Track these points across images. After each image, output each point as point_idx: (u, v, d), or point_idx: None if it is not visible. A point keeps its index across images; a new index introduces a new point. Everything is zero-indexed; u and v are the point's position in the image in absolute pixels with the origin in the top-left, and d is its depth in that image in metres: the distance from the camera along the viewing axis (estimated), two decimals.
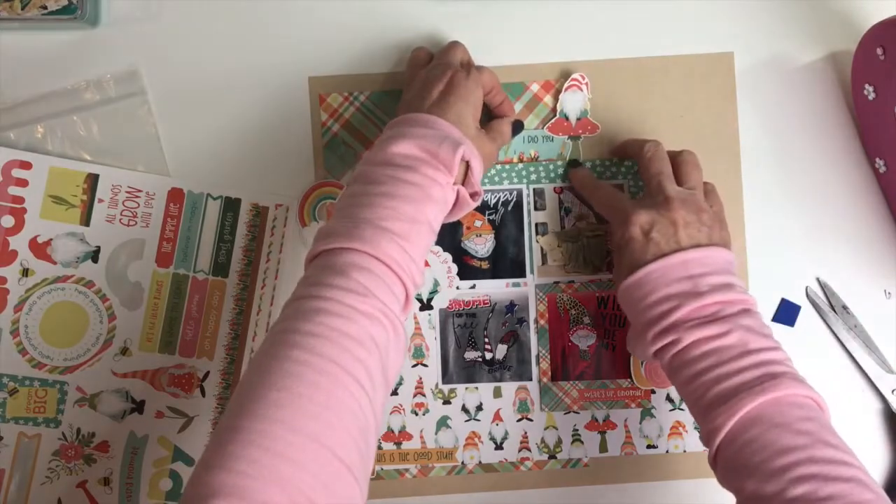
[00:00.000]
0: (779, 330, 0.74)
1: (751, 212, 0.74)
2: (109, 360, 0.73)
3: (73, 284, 0.73)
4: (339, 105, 0.74)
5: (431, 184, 0.61)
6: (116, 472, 0.73)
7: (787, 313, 0.74)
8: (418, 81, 0.67)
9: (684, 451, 0.74)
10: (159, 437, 0.73)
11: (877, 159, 0.73)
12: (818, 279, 0.75)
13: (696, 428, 0.74)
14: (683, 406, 0.74)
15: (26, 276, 0.72)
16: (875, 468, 0.74)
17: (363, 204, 0.59)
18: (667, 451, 0.74)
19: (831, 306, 0.74)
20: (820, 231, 0.75)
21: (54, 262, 0.72)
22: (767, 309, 0.74)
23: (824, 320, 0.74)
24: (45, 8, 0.71)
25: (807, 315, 0.75)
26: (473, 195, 0.65)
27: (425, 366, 0.74)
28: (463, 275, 0.74)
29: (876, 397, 0.74)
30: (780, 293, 0.74)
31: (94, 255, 0.73)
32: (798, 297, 0.75)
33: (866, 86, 0.70)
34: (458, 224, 0.74)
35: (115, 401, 0.73)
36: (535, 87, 0.74)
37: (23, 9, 0.71)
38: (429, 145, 0.61)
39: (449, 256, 0.74)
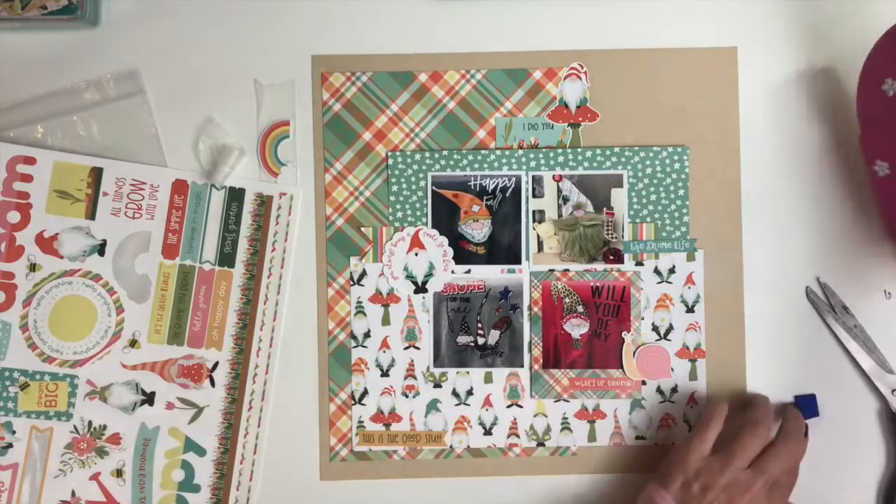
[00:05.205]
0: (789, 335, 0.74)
1: (751, 211, 0.74)
2: (118, 352, 0.73)
3: (81, 278, 0.73)
4: (342, 85, 0.74)
5: None
6: (129, 463, 0.73)
7: (807, 407, 0.73)
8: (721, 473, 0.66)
9: (673, 444, 0.74)
10: (170, 427, 0.73)
11: (878, 161, 0.70)
12: (818, 279, 0.74)
13: (684, 420, 0.74)
14: (674, 398, 0.74)
15: (34, 270, 0.73)
16: (875, 468, 0.74)
17: None
18: (656, 444, 0.74)
19: (831, 306, 0.74)
20: (820, 231, 0.74)
21: (61, 257, 0.73)
22: (766, 306, 0.74)
23: (824, 320, 0.74)
24: (45, 8, 0.71)
25: (807, 315, 0.74)
26: None
27: (417, 349, 0.74)
28: (459, 259, 0.74)
29: (876, 397, 0.74)
30: (780, 293, 0.74)
31: (101, 249, 0.73)
32: (798, 297, 0.74)
33: (889, 80, 0.67)
34: (455, 208, 0.74)
35: (126, 393, 0.73)
36: (537, 74, 0.74)
37: (23, 9, 0.71)
38: None
39: (445, 240, 0.74)
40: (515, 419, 0.74)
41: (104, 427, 0.73)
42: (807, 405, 0.72)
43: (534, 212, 0.74)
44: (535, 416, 0.74)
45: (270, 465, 0.74)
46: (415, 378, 0.74)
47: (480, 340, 0.74)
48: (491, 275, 0.74)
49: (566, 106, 0.74)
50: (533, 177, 0.74)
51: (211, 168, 0.73)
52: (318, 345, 0.74)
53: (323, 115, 0.74)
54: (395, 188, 0.74)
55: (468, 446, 0.74)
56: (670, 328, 0.74)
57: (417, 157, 0.74)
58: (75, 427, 0.73)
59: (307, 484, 0.74)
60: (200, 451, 0.73)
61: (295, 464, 0.74)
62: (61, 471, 0.73)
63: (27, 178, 0.73)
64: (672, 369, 0.74)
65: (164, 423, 0.73)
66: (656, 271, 0.74)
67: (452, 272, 0.74)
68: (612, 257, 0.74)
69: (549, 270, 0.74)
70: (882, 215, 0.72)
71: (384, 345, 0.74)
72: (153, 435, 0.73)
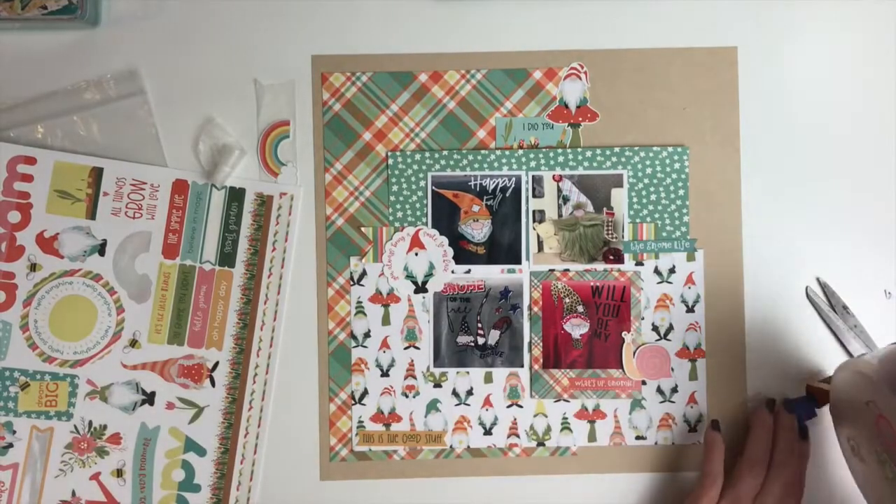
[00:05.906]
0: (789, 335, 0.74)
1: (751, 210, 0.74)
2: (119, 352, 0.73)
3: (81, 278, 0.73)
4: (342, 85, 0.74)
5: None
6: (129, 463, 0.73)
7: (802, 408, 0.72)
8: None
9: (673, 444, 0.74)
10: (170, 427, 0.73)
11: None
12: (818, 279, 0.74)
13: (684, 420, 0.74)
14: (674, 398, 0.74)
15: (34, 270, 0.73)
16: None
17: None
18: (655, 443, 0.74)
19: (831, 306, 0.74)
20: (820, 230, 0.74)
21: (61, 257, 0.73)
22: (766, 306, 0.74)
23: (824, 320, 0.74)
24: (45, 8, 0.71)
25: (807, 315, 0.74)
26: None
27: (417, 349, 0.74)
28: (459, 259, 0.74)
29: None
30: (780, 293, 0.74)
31: (101, 249, 0.73)
32: (798, 297, 0.74)
33: None
34: (455, 208, 0.74)
35: (126, 393, 0.73)
36: (537, 75, 0.74)
37: (23, 9, 0.71)
38: None
39: (445, 240, 0.74)
40: (515, 419, 0.74)
41: (104, 427, 0.73)
42: (802, 407, 0.72)
43: (534, 212, 0.74)
44: (535, 416, 0.74)
45: (270, 465, 0.74)
46: (415, 378, 0.74)
47: (480, 340, 0.74)
48: (491, 275, 0.74)
49: (566, 106, 0.74)
50: (533, 177, 0.74)
51: (211, 168, 0.73)
52: (318, 345, 0.74)
53: (323, 115, 0.74)
54: (395, 188, 0.74)
55: (468, 446, 0.74)
56: (670, 328, 0.74)
57: (417, 157, 0.74)
58: (75, 427, 0.73)
59: (307, 484, 0.74)
60: (201, 451, 0.73)
61: (295, 464, 0.74)
62: (61, 471, 0.73)
63: (27, 178, 0.73)
64: (672, 369, 0.74)
65: (165, 423, 0.73)
66: (656, 271, 0.74)
67: (452, 272, 0.74)
68: (612, 257, 0.74)
69: (549, 270, 0.74)
70: None
71: (384, 345, 0.74)
72: (153, 435, 0.73)
